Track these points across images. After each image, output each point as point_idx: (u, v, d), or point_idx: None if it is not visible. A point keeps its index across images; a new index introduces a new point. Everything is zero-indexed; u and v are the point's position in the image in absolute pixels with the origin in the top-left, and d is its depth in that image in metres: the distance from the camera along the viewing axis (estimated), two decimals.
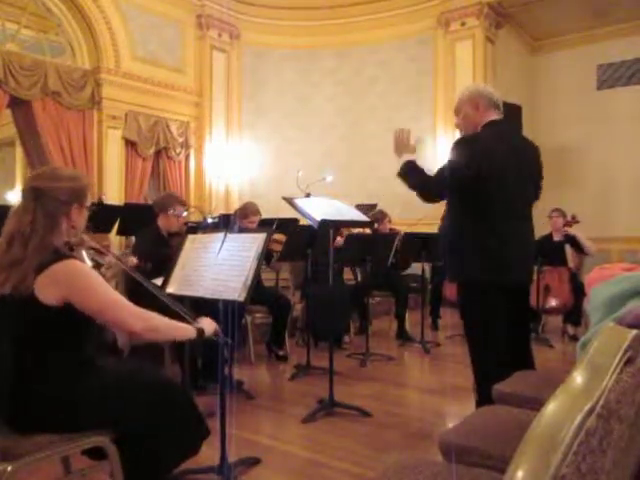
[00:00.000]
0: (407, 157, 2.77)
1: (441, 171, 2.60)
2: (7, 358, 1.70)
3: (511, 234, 2.55)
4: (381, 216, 5.71)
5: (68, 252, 1.79)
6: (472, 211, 2.56)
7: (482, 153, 2.49)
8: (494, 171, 2.48)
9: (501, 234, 2.53)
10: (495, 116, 2.66)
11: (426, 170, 2.69)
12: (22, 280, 1.65)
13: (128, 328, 1.77)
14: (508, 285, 2.56)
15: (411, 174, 2.71)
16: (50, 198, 1.77)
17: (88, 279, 1.72)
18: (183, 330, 1.92)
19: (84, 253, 1.93)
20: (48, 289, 1.66)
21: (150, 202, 6.37)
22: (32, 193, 1.77)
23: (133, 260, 2.70)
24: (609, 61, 9.01)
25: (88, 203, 1.90)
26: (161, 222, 3.90)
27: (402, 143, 2.80)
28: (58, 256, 1.71)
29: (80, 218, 1.86)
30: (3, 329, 1.72)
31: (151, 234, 3.85)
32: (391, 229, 5.81)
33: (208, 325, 2.03)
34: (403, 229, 5.91)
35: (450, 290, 5.91)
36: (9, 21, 7.31)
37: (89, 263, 1.93)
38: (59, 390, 1.70)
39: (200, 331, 1.96)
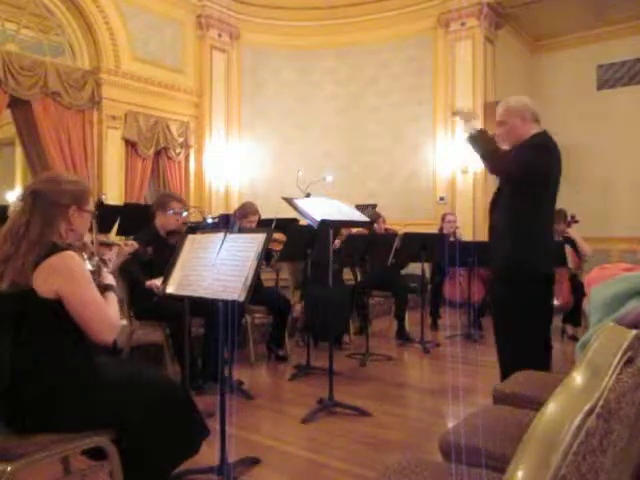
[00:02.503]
0: (473, 123, 2.95)
1: (508, 156, 2.81)
2: (7, 357, 1.70)
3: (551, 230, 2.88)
4: (375, 216, 5.71)
5: (65, 246, 1.79)
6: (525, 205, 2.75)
7: (553, 163, 2.76)
8: (555, 179, 2.77)
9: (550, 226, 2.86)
10: (537, 129, 2.81)
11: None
12: (20, 274, 1.65)
13: (101, 338, 1.75)
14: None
15: (482, 143, 2.87)
16: (48, 200, 1.77)
17: (77, 274, 1.71)
18: (116, 303, 1.90)
19: (87, 262, 1.92)
20: (43, 281, 1.67)
21: (150, 202, 6.36)
22: (30, 195, 1.78)
23: (134, 244, 2.68)
24: (609, 61, 9.02)
25: (89, 207, 1.89)
26: (159, 221, 3.88)
27: (468, 117, 3.00)
28: (55, 249, 1.71)
29: (80, 222, 1.86)
30: (3, 327, 1.72)
31: (149, 234, 3.83)
32: (386, 229, 5.82)
33: (111, 280, 1.99)
34: (402, 229, 5.92)
35: (450, 290, 5.92)
36: (9, 21, 7.31)
37: (90, 267, 1.92)
38: (60, 389, 1.70)
39: (113, 289, 1.94)
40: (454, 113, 3.13)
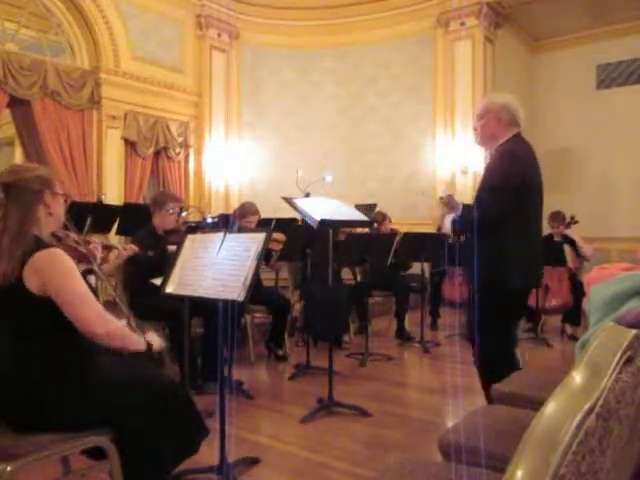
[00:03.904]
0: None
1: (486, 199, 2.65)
2: (5, 355, 1.70)
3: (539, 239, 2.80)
4: (381, 217, 5.71)
5: (51, 241, 1.79)
6: (516, 218, 2.62)
7: (526, 172, 2.61)
8: (535, 186, 2.65)
9: (537, 240, 2.76)
10: (512, 132, 2.70)
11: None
12: (8, 272, 1.65)
13: (91, 329, 1.72)
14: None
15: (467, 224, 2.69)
16: (21, 189, 1.78)
17: (64, 268, 1.72)
18: (136, 342, 1.83)
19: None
20: (33, 278, 1.67)
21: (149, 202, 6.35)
22: (2, 189, 1.78)
23: (133, 248, 2.67)
24: (608, 61, 9.02)
25: (60, 191, 1.90)
26: (156, 220, 3.88)
27: (454, 204, 2.83)
28: (40, 245, 1.71)
29: (56, 205, 1.87)
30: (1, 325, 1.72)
31: (147, 233, 3.83)
32: (392, 229, 5.82)
33: (155, 340, 1.95)
34: (403, 229, 5.92)
35: (449, 290, 5.92)
36: (8, 21, 7.30)
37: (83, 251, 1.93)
38: (59, 388, 1.70)
39: (149, 345, 1.87)
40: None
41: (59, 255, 1.73)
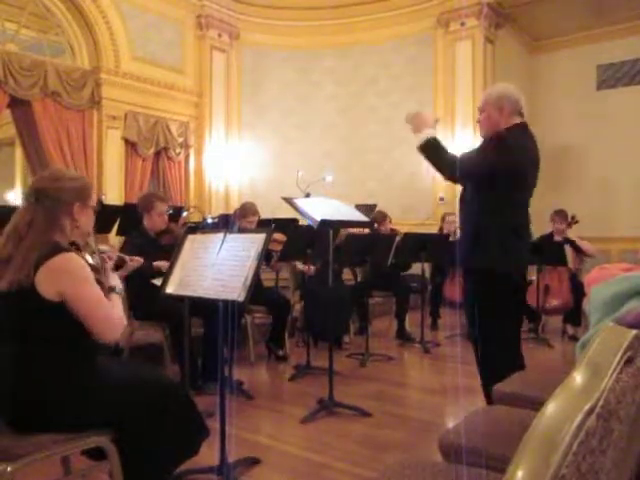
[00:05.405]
0: (427, 132, 2.72)
1: (467, 159, 2.65)
2: (8, 357, 1.70)
3: (525, 226, 2.70)
4: (381, 217, 5.71)
5: (67, 246, 1.78)
6: (495, 203, 2.59)
7: (515, 150, 2.56)
8: (523, 168, 2.60)
9: (517, 226, 2.66)
10: (516, 121, 2.67)
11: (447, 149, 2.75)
12: (21, 272, 1.64)
13: (104, 339, 1.78)
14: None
15: (433, 152, 2.71)
16: (51, 197, 1.77)
17: (77, 275, 1.71)
18: (120, 304, 1.93)
19: (89, 258, 1.91)
20: (46, 283, 1.66)
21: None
22: (33, 194, 1.78)
23: (140, 260, 2.66)
24: (609, 61, 9.02)
25: (92, 203, 1.89)
26: (146, 223, 3.85)
27: (422, 121, 2.76)
28: (56, 250, 1.70)
29: (84, 218, 1.86)
30: (5, 326, 1.72)
31: (139, 236, 3.82)
32: (392, 229, 5.81)
33: (116, 281, 2.01)
34: (403, 229, 5.92)
35: (450, 290, 5.92)
36: (9, 21, 7.31)
37: (92, 262, 1.91)
38: (60, 389, 1.70)
39: (116, 291, 1.96)
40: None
41: (74, 260, 1.72)
